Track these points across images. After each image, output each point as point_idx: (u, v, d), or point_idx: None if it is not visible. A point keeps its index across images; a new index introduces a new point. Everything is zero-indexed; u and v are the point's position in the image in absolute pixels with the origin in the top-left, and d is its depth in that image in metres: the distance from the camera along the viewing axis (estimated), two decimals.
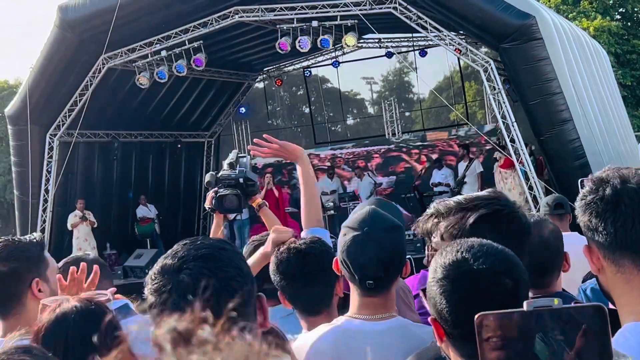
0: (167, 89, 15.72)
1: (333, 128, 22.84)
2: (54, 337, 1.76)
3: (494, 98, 12.23)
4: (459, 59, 15.61)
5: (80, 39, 13.30)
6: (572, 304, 1.12)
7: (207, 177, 3.03)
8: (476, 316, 1.08)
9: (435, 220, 1.75)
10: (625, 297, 1.45)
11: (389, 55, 17.87)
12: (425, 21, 12.19)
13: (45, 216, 14.31)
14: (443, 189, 14.24)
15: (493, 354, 1.07)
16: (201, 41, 13.70)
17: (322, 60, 19.14)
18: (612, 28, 27.81)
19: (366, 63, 19.61)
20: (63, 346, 1.72)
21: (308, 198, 2.78)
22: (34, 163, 14.11)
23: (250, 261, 2.31)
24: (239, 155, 3.07)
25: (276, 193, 15.14)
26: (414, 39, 17.19)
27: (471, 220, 1.69)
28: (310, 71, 19.62)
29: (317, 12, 12.76)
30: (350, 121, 25.34)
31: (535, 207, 10.68)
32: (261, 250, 2.47)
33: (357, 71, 20.88)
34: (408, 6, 12.14)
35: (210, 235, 2.88)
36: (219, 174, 2.97)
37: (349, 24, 12.78)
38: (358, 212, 2.07)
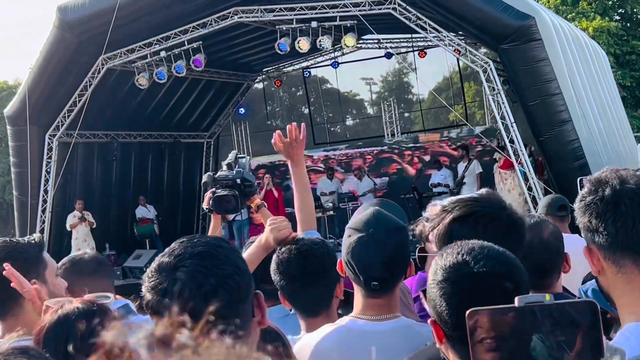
0: (166, 89, 15.70)
1: (332, 129, 22.79)
2: (55, 338, 1.76)
3: (493, 99, 12.22)
4: (458, 59, 15.59)
5: (80, 39, 13.29)
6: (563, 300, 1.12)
7: (205, 178, 3.02)
8: (467, 312, 1.08)
9: (426, 222, 1.77)
10: (626, 298, 1.46)
11: (388, 55, 17.86)
12: (425, 22, 12.19)
13: (45, 217, 14.29)
14: (442, 189, 14.23)
15: (487, 355, 1.07)
16: (200, 42, 13.69)
17: (322, 61, 19.13)
18: (611, 29, 27.81)
19: (365, 64, 19.58)
20: (64, 347, 1.72)
21: (302, 200, 2.77)
22: (33, 164, 14.09)
23: (246, 255, 2.28)
24: (238, 155, 3.06)
25: (275, 194, 15.13)
26: (413, 39, 17.19)
27: (446, 221, 1.70)
28: (309, 72, 19.63)
29: (316, 13, 12.76)
30: (349, 122, 25.29)
31: (535, 208, 10.67)
32: (256, 243, 2.42)
33: (356, 72, 20.85)
34: (407, 7, 12.13)
35: None
36: (217, 175, 2.97)
37: (348, 25, 12.77)
38: (362, 214, 2.08)
